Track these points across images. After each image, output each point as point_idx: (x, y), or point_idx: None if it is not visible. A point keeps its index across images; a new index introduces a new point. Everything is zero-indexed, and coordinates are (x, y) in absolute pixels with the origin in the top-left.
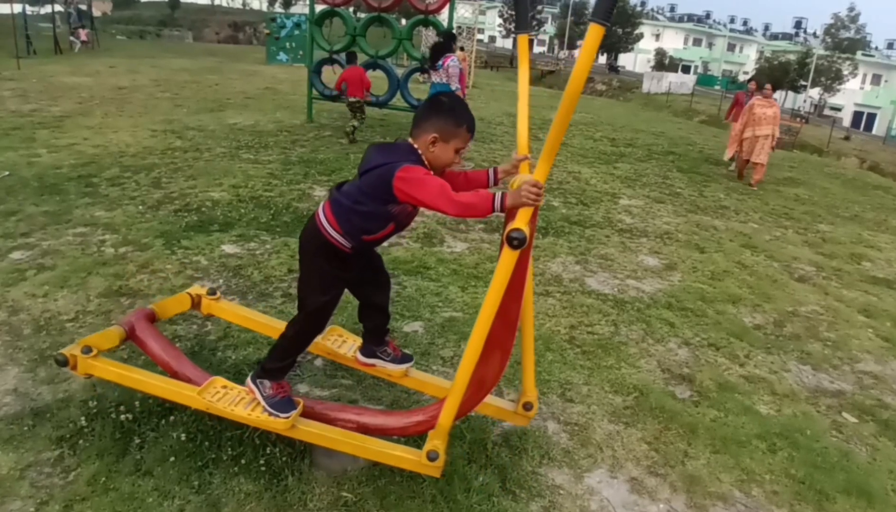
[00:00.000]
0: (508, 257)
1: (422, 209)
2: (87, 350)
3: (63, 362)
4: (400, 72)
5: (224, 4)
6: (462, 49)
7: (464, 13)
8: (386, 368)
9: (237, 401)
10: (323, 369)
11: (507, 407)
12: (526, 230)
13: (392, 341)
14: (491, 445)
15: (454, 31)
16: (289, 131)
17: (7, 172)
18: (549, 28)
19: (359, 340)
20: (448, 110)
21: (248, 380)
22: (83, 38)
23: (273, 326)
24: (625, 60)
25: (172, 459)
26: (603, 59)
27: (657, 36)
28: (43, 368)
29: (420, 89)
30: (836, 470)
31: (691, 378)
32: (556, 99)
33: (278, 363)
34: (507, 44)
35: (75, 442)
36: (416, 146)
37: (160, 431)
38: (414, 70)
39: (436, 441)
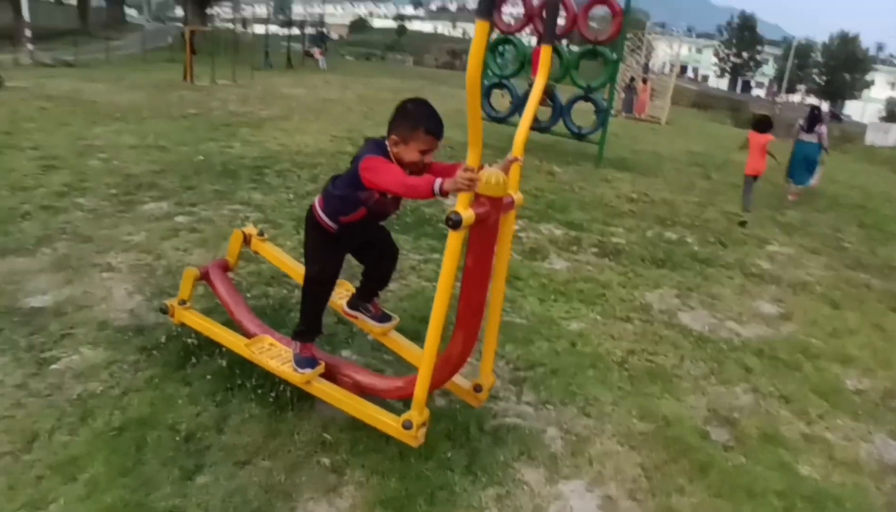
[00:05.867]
0: (453, 239)
1: (405, 202)
2: (182, 302)
3: (164, 311)
4: (564, 99)
5: (445, 33)
6: (645, 81)
7: (666, 48)
8: (366, 323)
9: (276, 356)
10: (372, 342)
11: (463, 385)
12: (463, 214)
13: (377, 302)
14: (476, 429)
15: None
16: (451, 148)
17: (202, 157)
18: (768, 69)
19: (352, 290)
20: (406, 114)
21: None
22: (317, 56)
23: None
24: (852, 109)
25: (209, 377)
26: (825, 106)
27: (893, 84)
28: (158, 300)
29: (506, 103)
30: None
31: (735, 422)
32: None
33: (302, 327)
34: (723, 85)
35: (151, 353)
36: (387, 143)
37: (212, 357)
38: (577, 98)
39: (413, 413)
